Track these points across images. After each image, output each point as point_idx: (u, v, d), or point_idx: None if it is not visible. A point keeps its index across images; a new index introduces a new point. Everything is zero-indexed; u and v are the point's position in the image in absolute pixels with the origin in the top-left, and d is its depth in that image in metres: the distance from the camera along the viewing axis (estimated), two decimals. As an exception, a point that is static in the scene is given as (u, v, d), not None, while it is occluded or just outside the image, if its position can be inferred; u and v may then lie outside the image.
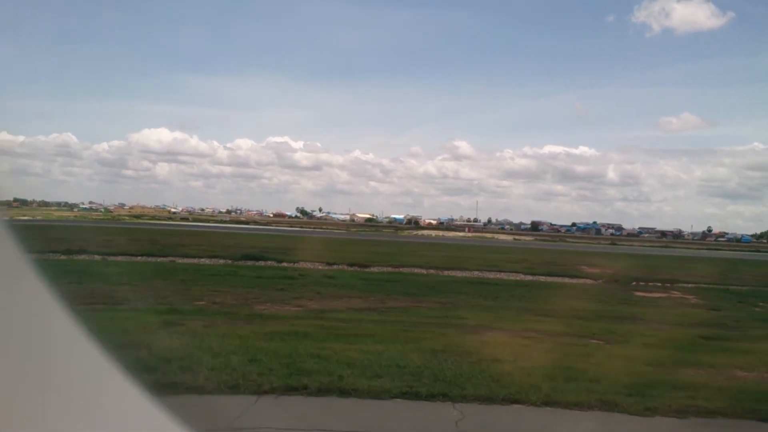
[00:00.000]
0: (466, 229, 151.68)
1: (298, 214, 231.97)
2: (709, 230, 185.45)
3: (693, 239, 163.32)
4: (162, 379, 8.84)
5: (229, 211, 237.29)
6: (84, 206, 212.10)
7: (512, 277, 33.12)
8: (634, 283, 31.63)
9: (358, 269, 33.53)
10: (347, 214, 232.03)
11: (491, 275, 33.15)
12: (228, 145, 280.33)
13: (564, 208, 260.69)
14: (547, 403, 8.49)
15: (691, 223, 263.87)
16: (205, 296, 18.89)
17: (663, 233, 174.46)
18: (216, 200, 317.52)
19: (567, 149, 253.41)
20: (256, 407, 8.13)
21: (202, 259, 35.43)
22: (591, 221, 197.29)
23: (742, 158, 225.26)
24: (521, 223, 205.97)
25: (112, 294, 17.86)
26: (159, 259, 33.90)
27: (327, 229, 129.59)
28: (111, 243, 41.87)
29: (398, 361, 10.27)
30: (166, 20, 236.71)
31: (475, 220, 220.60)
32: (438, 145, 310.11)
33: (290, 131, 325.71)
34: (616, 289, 28.38)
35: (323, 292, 21.17)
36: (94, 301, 16.84)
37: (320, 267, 33.65)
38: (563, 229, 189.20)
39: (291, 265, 34.50)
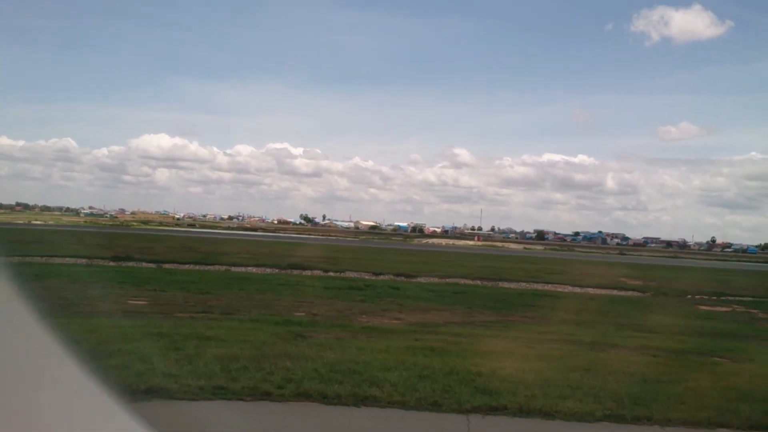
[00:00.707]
0: (476, 238, 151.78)
1: (302, 221, 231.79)
2: (713, 241, 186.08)
3: (699, 249, 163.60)
4: (356, 391, 8.83)
5: (231, 218, 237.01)
6: (85, 211, 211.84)
7: (563, 289, 33.24)
8: (689, 296, 31.62)
9: (409, 279, 33.43)
10: (351, 221, 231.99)
11: (543, 287, 33.24)
12: (228, 151, 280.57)
13: (563, 217, 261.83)
14: (753, 427, 8.46)
15: (689, 233, 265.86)
16: (297, 307, 18.85)
17: (668, 243, 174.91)
18: (215, 206, 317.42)
19: (566, 157, 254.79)
20: (472, 428, 8.10)
21: (250, 268, 35.37)
22: (595, 230, 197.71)
23: (741, 168, 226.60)
24: (526, 232, 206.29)
25: (218, 304, 17.89)
26: (213, 268, 33.85)
27: (339, 237, 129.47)
28: (152, 250, 41.80)
29: (565, 381, 10.22)
30: (167, 27, 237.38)
31: (479, 229, 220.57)
32: (437, 153, 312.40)
33: (290, 138, 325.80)
34: (674, 303, 28.43)
35: (404, 304, 21.14)
36: (212, 309, 16.89)
37: (369, 277, 33.58)
38: (568, 239, 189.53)
39: (338, 274, 34.46)
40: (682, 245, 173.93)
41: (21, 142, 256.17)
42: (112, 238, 57.49)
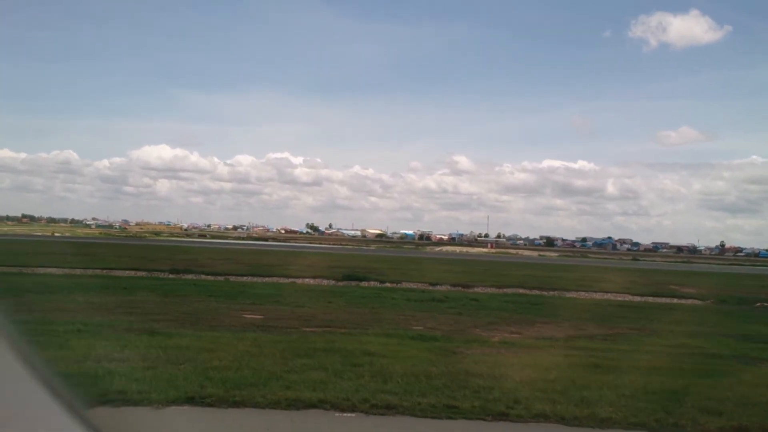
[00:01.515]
0: (489, 245, 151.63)
1: (309, 230, 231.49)
2: (723, 245, 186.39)
3: (710, 254, 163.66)
4: (594, 411, 8.85)
5: (235, 227, 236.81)
6: (90, 222, 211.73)
7: (625, 298, 33.21)
8: (757, 303, 31.65)
9: (467, 290, 33.33)
10: (357, 230, 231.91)
11: (602, 296, 33.21)
12: (228, 161, 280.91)
13: (564, 223, 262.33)
14: None
15: (690, 237, 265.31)
16: (406, 321, 18.82)
17: (679, 248, 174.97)
18: (216, 216, 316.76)
19: (566, 163, 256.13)
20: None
21: (307, 280, 35.28)
22: (596, 236, 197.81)
23: (741, 172, 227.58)
24: (534, 239, 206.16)
25: (325, 318, 17.92)
26: (275, 280, 33.83)
27: (354, 245, 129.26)
28: (198, 262, 41.71)
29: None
30: (167, 37, 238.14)
31: (486, 236, 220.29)
32: (437, 160, 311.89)
33: (290, 147, 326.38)
34: (748, 311, 28.50)
35: (502, 317, 21.13)
36: (328, 323, 16.86)
37: (428, 288, 33.49)
38: (577, 244, 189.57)
39: (396, 285, 34.32)
40: (692, 250, 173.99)
41: (23, 155, 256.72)
42: (147, 251, 57.34)
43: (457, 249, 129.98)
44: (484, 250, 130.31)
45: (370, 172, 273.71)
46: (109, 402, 8.60)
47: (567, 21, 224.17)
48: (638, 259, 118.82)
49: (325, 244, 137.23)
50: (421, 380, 10.46)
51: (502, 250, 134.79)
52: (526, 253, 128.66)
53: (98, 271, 34.32)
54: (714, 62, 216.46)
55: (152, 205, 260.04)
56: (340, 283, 34.52)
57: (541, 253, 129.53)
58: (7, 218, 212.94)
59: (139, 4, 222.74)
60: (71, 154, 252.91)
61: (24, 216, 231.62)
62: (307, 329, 16.39)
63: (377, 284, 34.74)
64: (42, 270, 33.82)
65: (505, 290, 34.20)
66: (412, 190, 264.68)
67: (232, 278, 33.34)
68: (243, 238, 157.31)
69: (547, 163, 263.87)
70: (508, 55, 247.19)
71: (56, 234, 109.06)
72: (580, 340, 16.63)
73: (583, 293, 33.49)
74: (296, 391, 9.43)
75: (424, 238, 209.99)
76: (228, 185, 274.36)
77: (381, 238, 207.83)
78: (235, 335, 14.52)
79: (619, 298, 33.02)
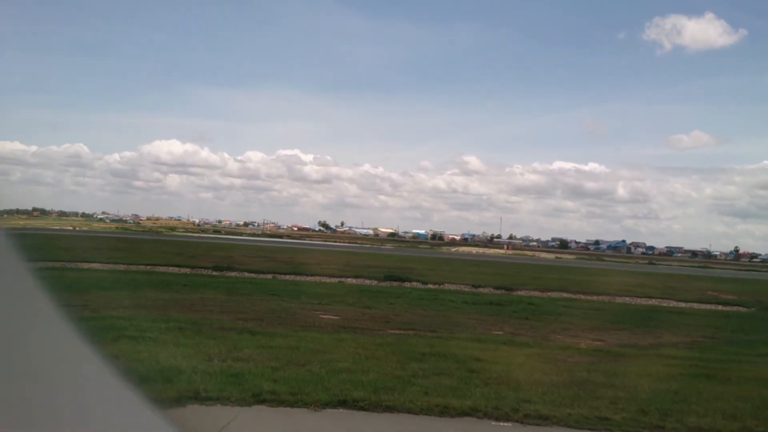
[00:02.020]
0: (505, 247, 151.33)
1: (322, 228, 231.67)
2: (737, 250, 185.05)
3: (726, 259, 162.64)
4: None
5: (246, 224, 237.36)
6: (99, 216, 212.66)
7: (670, 304, 33.18)
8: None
9: (511, 293, 33.27)
10: (369, 228, 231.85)
11: (651, 302, 33.14)
12: (239, 157, 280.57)
13: (573, 225, 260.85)
14: None
15: (700, 242, 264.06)
16: (481, 325, 18.79)
17: (693, 253, 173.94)
18: (225, 212, 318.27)
19: (577, 165, 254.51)
20: None
21: (350, 279, 35.32)
22: (603, 239, 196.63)
23: (753, 177, 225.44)
24: (547, 240, 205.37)
25: (396, 319, 17.91)
26: (317, 279, 33.96)
27: (374, 245, 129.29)
28: (235, 260, 41.79)
29: None
30: (178, 33, 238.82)
31: (498, 236, 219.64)
32: (447, 160, 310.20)
33: (300, 144, 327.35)
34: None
35: (572, 322, 21.09)
36: (407, 326, 16.85)
37: (471, 290, 33.52)
38: (591, 247, 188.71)
39: (439, 286, 34.34)
40: (707, 255, 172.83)
41: (33, 148, 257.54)
42: (176, 247, 57.45)
43: (474, 250, 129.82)
44: (501, 251, 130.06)
45: (380, 170, 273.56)
46: (264, 402, 8.65)
47: (580, 23, 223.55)
48: (654, 263, 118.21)
49: (340, 242, 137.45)
50: (553, 389, 10.40)
51: (518, 251, 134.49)
52: (543, 255, 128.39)
53: (142, 267, 34.48)
54: (728, 66, 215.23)
55: (162, 200, 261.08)
56: (383, 284, 34.58)
57: (558, 255, 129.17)
58: (18, 211, 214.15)
59: (152, 0, 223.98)
60: (82, 148, 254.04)
61: (35, 209, 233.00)
62: (392, 331, 16.40)
63: (419, 285, 34.76)
64: (86, 265, 33.97)
65: (548, 294, 34.14)
66: (422, 189, 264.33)
67: (279, 276, 33.38)
68: (258, 235, 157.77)
69: (557, 164, 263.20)
70: (520, 57, 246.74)
71: (76, 228, 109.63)
72: (665, 348, 16.55)
73: (627, 298, 33.41)
74: (438, 397, 9.40)
75: (437, 238, 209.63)
76: (238, 181, 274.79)
77: (393, 237, 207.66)
78: (331, 336, 14.55)
79: (665, 304, 32.91)
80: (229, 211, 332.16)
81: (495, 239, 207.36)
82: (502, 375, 11.22)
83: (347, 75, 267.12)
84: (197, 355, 11.24)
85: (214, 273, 34.25)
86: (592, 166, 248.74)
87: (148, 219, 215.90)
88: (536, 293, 34.21)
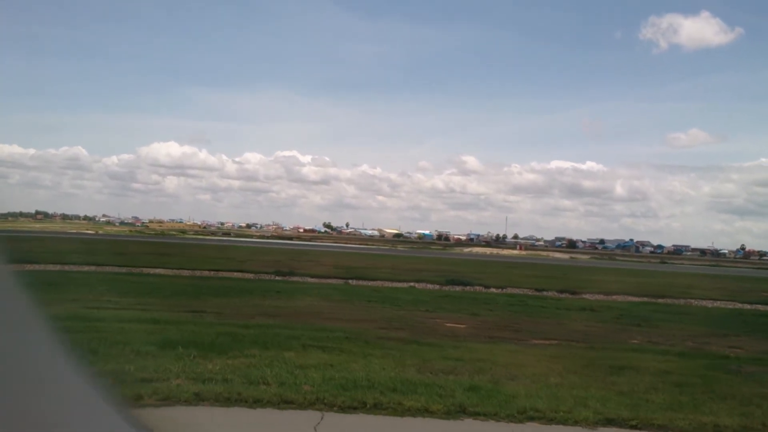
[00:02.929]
0: (518, 247, 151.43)
1: (327, 229, 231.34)
2: (743, 248, 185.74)
3: (735, 258, 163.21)
4: None
5: (249, 225, 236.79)
6: (101, 219, 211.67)
7: (735, 306, 33.10)
8: None
9: (574, 296, 33.16)
10: (374, 229, 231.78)
11: (717, 304, 33.15)
12: (237, 159, 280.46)
13: (571, 224, 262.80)
14: None
15: (699, 240, 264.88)
16: (613, 335, 18.74)
17: (702, 251, 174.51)
18: (224, 214, 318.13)
19: (574, 164, 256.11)
20: None
21: (412, 283, 35.18)
22: (617, 238, 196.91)
23: (750, 174, 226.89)
24: (554, 239, 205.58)
25: (522, 327, 17.86)
26: (389, 284, 33.80)
27: (389, 246, 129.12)
28: (284, 264, 41.53)
29: None
30: (176, 35, 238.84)
31: (503, 236, 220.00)
32: (445, 160, 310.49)
33: (299, 145, 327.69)
34: None
35: (682, 328, 21.11)
36: (558, 337, 16.72)
37: (535, 293, 33.48)
38: (599, 246, 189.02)
39: (502, 290, 34.31)
40: (715, 253, 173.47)
41: (32, 151, 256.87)
42: (216, 251, 57.22)
43: (487, 251, 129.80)
44: (515, 251, 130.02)
45: (378, 171, 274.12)
46: (534, 420, 8.56)
47: (577, 23, 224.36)
48: (667, 262, 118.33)
49: (354, 243, 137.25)
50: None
51: (531, 251, 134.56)
52: (556, 255, 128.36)
53: (208, 273, 34.35)
54: (725, 64, 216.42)
55: (160, 202, 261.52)
56: (448, 288, 34.53)
57: (572, 255, 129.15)
58: (21, 214, 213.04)
59: (149, 2, 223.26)
60: (80, 151, 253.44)
61: (38, 212, 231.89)
62: (537, 341, 16.35)
63: (482, 289, 34.74)
64: (152, 270, 33.92)
65: (614, 297, 34.08)
66: (420, 189, 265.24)
67: (349, 282, 33.28)
68: (267, 237, 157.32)
69: (555, 163, 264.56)
70: (517, 57, 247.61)
71: (98, 232, 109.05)
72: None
73: (702, 301, 33.42)
74: (709, 415, 9.10)
75: (443, 239, 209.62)
76: (236, 183, 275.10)
77: (399, 237, 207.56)
78: (497, 347, 14.50)
79: (731, 306, 32.92)
80: (228, 213, 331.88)
81: (501, 239, 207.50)
82: (727, 391, 10.77)
83: (345, 75, 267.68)
84: (403, 367, 11.14)
85: (278, 278, 34.15)
86: (589, 165, 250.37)
87: (150, 222, 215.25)
88: (600, 296, 34.13)
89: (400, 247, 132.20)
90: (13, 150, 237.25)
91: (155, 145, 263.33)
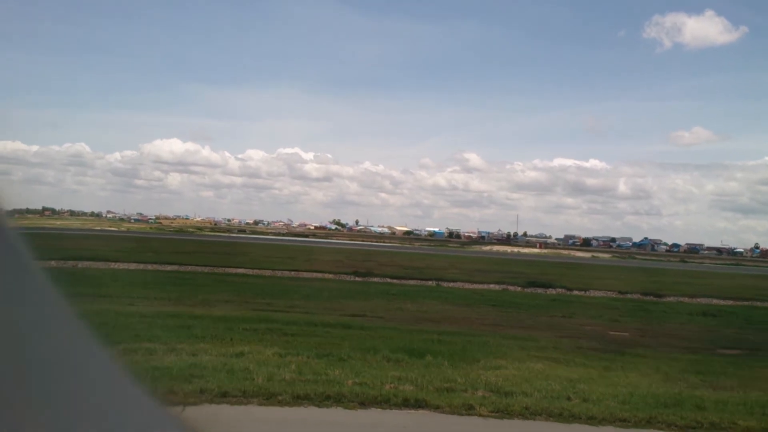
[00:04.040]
0: (538, 245, 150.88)
1: (337, 227, 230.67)
2: (757, 246, 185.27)
3: (753, 256, 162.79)
4: None
5: (256, 222, 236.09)
6: (107, 216, 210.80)
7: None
8: None
9: (663, 299, 32.64)
10: (384, 226, 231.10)
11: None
12: (239, 156, 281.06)
13: (574, 221, 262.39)
14: None
15: (702, 238, 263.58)
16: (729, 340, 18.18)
17: (718, 250, 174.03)
18: (226, 210, 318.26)
19: (577, 162, 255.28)
20: None
21: (490, 285, 34.61)
22: (643, 237, 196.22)
23: (754, 173, 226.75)
24: (569, 237, 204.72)
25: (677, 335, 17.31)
26: (471, 286, 33.20)
27: (415, 245, 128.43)
28: (347, 264, 40.92)
29: None
30: (179, 32, 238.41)
31: (515, 235, 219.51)
32: (448, 157, 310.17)
33: (301, 142, 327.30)
34: None
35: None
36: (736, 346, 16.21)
37: (624, 297, 32.90)
38: (613, 245, 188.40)
39: (584, 293, 33.79)
40: (731, 252, 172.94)
41: (35, 147, 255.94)
42: (266, 250, 56.42)
43: (508, 249, 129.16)
44: (535, 250, 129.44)
45: (380, 168, 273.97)
46: None
47: (581, 21, 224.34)
48: (686, 261, 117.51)
49: (373, 241, 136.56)
50: None
51: (552, 250, 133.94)
52: (578, 254, 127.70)
53: (289, 273, 33.70)
54: (729, 63, 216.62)
55: (163, 199, 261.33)
56: (528, 290, 33.97)
57: (593, 254, 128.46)
58: (27, 211, 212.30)
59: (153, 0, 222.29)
60: (83, 147, 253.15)
61: (46, 208, 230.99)
62: (724, 351, 15.78)
63: (564, 291, 34.15)
64: (233, 270, 33.29)
65: (698, 300, 33.49)
66: (423, 186, 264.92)
67: (444, 284, 32.65)
68: (284, 234, 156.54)
69: (558, 161, 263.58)
70: (520, 55, 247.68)
71: (126, 229, 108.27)
72: None
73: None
74: None
75: (454, 236, 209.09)
76: (239, 179, 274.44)
77: (409, 235, 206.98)
78: (719, 360, 13.89)
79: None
80: (230, 210, 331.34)
81: (512, 237, 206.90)
82: None
83: (348, 73, 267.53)
84: (663, 380, 10.61)
85: (358, 279, 33.59)
86: (592, 163, 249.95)
87: (158, 218, 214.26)
88: (684, 299, 33.57)
89: (417, 245, 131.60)
90: (16, 146, 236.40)
91: (158, 142, 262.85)
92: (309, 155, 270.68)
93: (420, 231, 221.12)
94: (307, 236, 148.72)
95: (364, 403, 8.60)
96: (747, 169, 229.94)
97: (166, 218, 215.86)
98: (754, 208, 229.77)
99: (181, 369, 9.38)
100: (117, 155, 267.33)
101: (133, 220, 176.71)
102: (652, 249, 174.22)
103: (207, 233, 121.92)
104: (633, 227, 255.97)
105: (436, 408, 8.60)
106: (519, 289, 34.03)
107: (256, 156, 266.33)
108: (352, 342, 12.19)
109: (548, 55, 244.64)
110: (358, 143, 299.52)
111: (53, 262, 32.16)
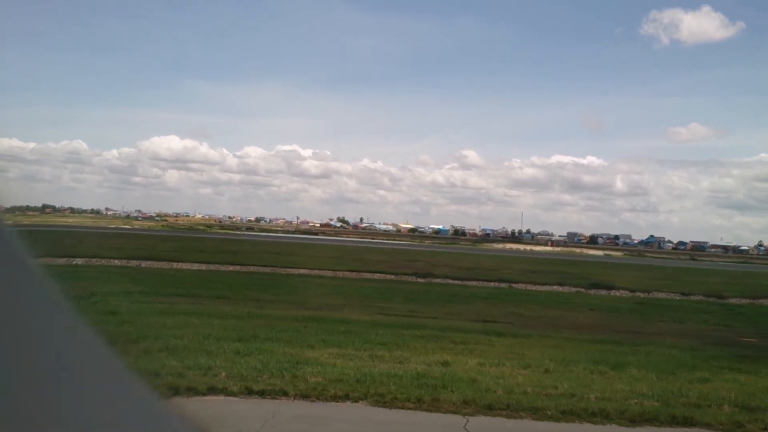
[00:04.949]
0: (550, 243, 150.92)
1: (343, 224, 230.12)
2: (761, 244, 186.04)
3: (759, 254, 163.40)
4: None
5: (258, 219, 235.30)
6: (107, 213, 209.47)
7: None
8: None
9: (727, 300, 32.30)
10: (389, 224, 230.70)
11: None
12: (238, 153, 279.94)
13: (571, 218, 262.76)
14: None
15: (698, 235, 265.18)
16: None
17: (725, 248, 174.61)
18: (225, 208, 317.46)
19: (575, 159, 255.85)
20: None
21: (553, 287, 34.23)
22: (640, 234, 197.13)
23: (750, 169, 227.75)
24: (574, 234, 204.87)
25: None
26: (535, 288, 32.79)
27: (420, 242, 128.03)
28: (395, 264, 40.50)
29: None
30: (176, 29, 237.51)
31: (520, 232, 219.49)
32: (447, 154, 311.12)
33: (300, 139, 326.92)
34: None
35: None
36: None
37: (688, 298, 32.63)
38: (620, 242, 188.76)
39: (649, 295, 33.39)
40: (736, 250, 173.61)
41: (32, 144, 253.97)
42: (301, 249, 55.90)
43: (521, 246, 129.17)
44: (548, 248, 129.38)
45: (378, 165, 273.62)
46: None
47: (578, 17, 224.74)
48: (697, 259, 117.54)
49: (379, 238, 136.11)
50: None
51: (564, 248, 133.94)
52: (591, 252, 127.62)
53: (354, 275, 33.15)
54: (726, 59, 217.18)
55: (161, 196, 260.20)
56: (592, 291, 33.65)
57: (606, 252, 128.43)
58: (27, 208, 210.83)
59: None
60: (80, 144, 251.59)
61: (46, 206, 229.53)
62: None
63: (628, 293, 33.76)
64: (294, 270, 32.85)
65: (761, 301, 33.24)
66: (421, 183, 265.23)
67: (516, 286, 32.29)
68: (292, 232, 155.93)
69: (556, 158, 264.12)
70: (518, 51, 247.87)
71: (164, 226, 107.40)
72: None
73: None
74: None
75: (459, 234, 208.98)
76: (237, 177, 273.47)
77: (414, 232, 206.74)
78: None
79: None
80: (229, 207, 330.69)
81: (516, 235, 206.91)
82: None
83: (346, 70, 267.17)
84: None
85: (420, 280, 33.19)
86: (590, 160, 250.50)
87: (159, 216, 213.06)
88: (745, 300, 33.22)
89: (430, 242, 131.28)
90: (13, 144, 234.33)
91: (156, 139, 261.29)
92: (307, 152, 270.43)
93: (424, 228, 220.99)
94: (316, 234, 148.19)
95: (634, 421, 8.27)
96: (743, 166, 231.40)
97: (166, 216, 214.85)
98: (749, 205, 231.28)
99: (430, 377, 9.05)
100: (114, 152, 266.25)
101: (140, 218, 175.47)
102: (659, 247, 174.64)
103: (218, 231, 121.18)
104: (630, 224, 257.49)
105: (707, 426, 8.28)
106: (585, 290, 33.60)
107: (254, 153, 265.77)
108: (533, 351, 11.83)
109: (546, 52, 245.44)
110: (357, 140, 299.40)
111: (116, 261, 31.75)
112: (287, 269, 33.06)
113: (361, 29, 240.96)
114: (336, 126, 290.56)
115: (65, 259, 30.82)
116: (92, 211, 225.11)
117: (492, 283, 32.73)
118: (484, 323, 15.94)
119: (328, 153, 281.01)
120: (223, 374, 8.87)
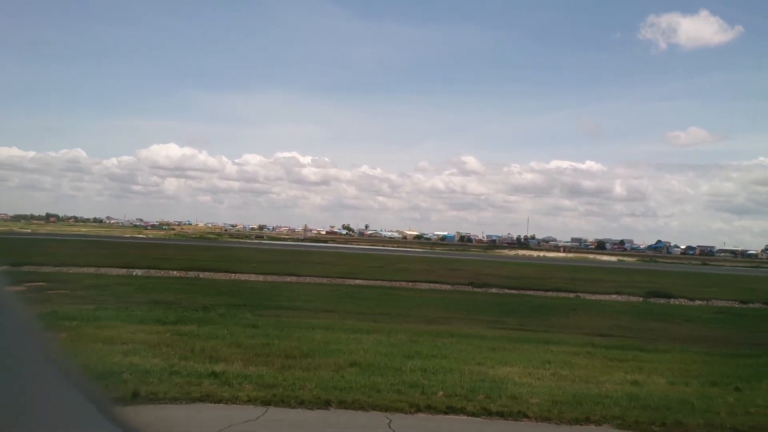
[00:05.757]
0: (562, 249, 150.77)
1: (348, 231, 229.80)
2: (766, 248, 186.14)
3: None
4: None
5: (261, 227, 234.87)
6: (113, 222, 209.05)
7: None
8: None
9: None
10: (395, 231, 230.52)
11: None
12: (237, 160, 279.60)
13: (571, 223, 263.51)
14: None
15: (697, 239, 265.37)
16: None
17: (733, 252, 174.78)
18: (224, 215, 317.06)
19: (574, 164, 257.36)
20: None
21: (611, 296, 34.02)
22: (655, 240, 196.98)
23: (749, 173, 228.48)
24: (580, 240, 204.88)
25: None
26: (586, 297, 32.52)
27: (431, 248, 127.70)
28: (438, 273, 40.25)
29: None
30: (176, 37, 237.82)
31: (525, 238, 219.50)
32: (445, 160, 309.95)
33: (299, 146, 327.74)
34: None
35: None
36: None
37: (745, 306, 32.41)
38: (627, 247, 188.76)
39: (709, 303, 33.18)
40: (745, 254, 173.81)
41: (31, 153, 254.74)
42: (341, 258, 55.59)
43: (534, 253, 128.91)
44: (561, 254, 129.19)
45: (378, 171, 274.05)
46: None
47: (576, 23, 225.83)
48: (708, 264, 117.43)
49: (390, 246, 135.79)
50: None
51: (577, 254, 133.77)
52: (603, 257, 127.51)
53: (407, 284, 32.92)
54: (724, 63, 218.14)
55: (160, 204, 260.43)
56: (652, 300, 33.42)
57: (619, 258, 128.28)
58: (32, 217, 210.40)
59: (149, 5, 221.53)
60: (80, 153, 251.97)
61: (50, 215, 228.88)
62: None
63: (687, 301, 33.53)
64: (353, 281, 32.56)
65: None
66: (420, 190, 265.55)
67: (582, 296, 31.97)
68: (302, 240, 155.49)
69: (555, 163, 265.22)
70: (516, 57, 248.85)
71: (143, 236, 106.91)
72: None
73: None
74: None
75: (465, 240, 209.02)
76: (236, 184, 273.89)
77: (420, 239, 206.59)
78: None
79: None
80: (228, 214, 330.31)
81: (523, 241, 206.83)
82: None
83: (345, 77, 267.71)
84: None
85: (477, 290, 32.96)
86: (589, 165, 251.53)
87: (162, 224, 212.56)
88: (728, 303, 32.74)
89: (441, 249, 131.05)
90: (13, 152, 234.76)
91: (155, 147, 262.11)
92: (306, 159, 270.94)
93: (429, 235, 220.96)
94: (326, 242, 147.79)
95: None
96: (742, 169, 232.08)
97: (169, 224, 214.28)
98: (749, 209, 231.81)
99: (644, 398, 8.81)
100: (114, 161, 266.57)
101: (149, 227, 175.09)
102: (668, 252, 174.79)
103: (231, 239, 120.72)
104: (630, 229, 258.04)
105: None
106: (646, 300, 33.25)
107: (253, 160, 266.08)
108: (694, 367, 11.59)
109: (544, 58, 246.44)
110: (356, 147, 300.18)
111: (174, 272, 31.41)
112: (347, 279, 32.76)
113: (360, 36, 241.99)
114: (335, 133, 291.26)
115: (125, 270, 30.54)
116: (95, 220, 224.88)
117: (549, 293, 32.47)
118: (602, 337, 15.68)
119: (327, 160, 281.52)
120: (441, 393, 8.61)
